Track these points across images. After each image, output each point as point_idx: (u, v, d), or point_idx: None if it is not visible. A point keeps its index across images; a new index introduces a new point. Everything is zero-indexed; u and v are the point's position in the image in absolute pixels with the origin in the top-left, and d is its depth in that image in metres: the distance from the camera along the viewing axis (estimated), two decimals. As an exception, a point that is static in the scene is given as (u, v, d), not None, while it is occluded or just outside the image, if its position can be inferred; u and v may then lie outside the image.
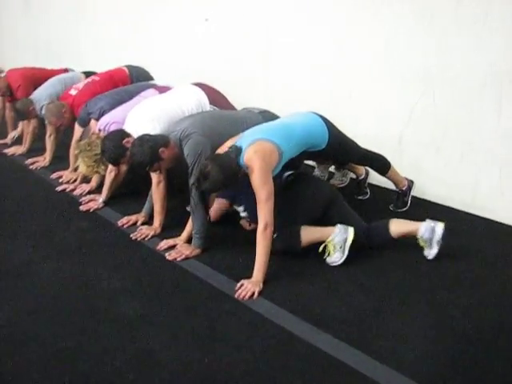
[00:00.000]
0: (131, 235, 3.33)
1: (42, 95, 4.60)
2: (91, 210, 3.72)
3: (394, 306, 2.61)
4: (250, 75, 4.95)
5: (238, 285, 2.74)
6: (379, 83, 4.00)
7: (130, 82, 4.57)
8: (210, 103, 3.65)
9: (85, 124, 4.16)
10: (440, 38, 3.59)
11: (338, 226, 2.97)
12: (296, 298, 2.68)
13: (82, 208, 3.75)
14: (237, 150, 2.82)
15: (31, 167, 4.69)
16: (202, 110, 3.59)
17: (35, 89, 4.78)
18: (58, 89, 4.61)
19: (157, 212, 3.38)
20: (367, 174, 3.95)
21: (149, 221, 3.50)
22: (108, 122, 3.75)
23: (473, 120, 3.55)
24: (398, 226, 3.06)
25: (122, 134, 3.37)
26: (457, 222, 3.50)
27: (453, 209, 3.76)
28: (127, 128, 3.46)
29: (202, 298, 2.69)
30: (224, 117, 3.34)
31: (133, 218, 3.51)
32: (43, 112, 4.53)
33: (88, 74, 4.82)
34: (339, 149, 3.27)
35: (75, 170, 4.25)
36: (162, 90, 3.98)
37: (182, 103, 3.54)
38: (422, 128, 3.84)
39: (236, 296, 2.67)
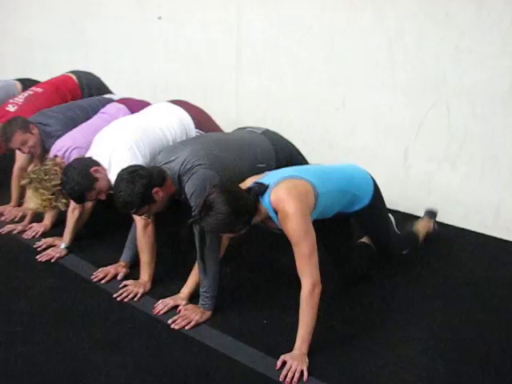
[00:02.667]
0: (114, 295, 2.64)
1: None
2: (53, 260, 2.97)
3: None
4: (218, 80, 4.31)
5: (280, 363, 2.15)
6: (380, 91, 3.50)
7: (81, 92, 3.80)
8: (196, 127, 2.99)
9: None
10: (456, 40, 3.13)
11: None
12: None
13: (40, 258, 2.98)
14: (260, 187, 2.22)
15: None
16: (186, 135, 2.94)
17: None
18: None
19: (145, 263, 2.71)
20: None
21: (131, 272, 2.81)
22: (67, 146, 3.01)
23: (495, 132, 3.13)
24: None
25: (89, 162, 2.69)
26: (476, 245, 3.17)
27: (471, 231, 3.34)
28: (95, 156, 2.76)
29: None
30: (229, 142, 2.69)
31: (111, 269, 2.81)
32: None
33: (24, 82, 3.99)
34: (378, 215, 2.65)
35: (20, 205, 3.47)
36: (130, 105, 3.27)
37: (163, 126, 2.87)
38: (433, 142, 3.38)
39: (281, 379, 2.10)
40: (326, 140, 3.84)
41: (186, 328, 2.39)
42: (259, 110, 4.07)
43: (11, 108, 3.57)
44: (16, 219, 3.44)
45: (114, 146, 2.73)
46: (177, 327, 2.39)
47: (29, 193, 2.93)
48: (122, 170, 2.42)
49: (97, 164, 2.70)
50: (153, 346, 2.30)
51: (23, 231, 3.29)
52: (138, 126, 2.82)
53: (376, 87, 3.51)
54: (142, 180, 2.35)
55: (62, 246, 3.02)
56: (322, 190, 2.27)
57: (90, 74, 3.93)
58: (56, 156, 3.04)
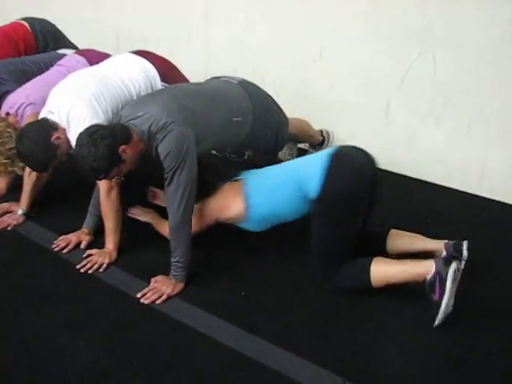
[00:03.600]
0: (77, 266, 2.42)
1: None
2: (10, 228, 2.71)
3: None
4: (185, 30, 4.00)
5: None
6: (360, 41, 3.25)
7: (35, 40, 3.45)
8: (162, 79, 2.71)
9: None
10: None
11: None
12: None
13: (-6, 228, 2.73)
14: None
15: None
16: (151, 88, 2.67)
17: None
18: None
19: (110, 230, 2.48)
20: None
21: (95, 239, 2.59)
22: (21, 102, 2.72)
23: (485, 87, 2.93)
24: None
25: (47, 128, 2.41)
26: (461, 205, 3.01)
27: (456, 190, 3.18)
28: (51, 113, 2.48)
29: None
30: (203, 93, 2.45)
31: (73, 238, 2.58)
32: None
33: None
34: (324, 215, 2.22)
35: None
36: (90, 57, 2.96)
37: (126, 79, 2.59)
38: (416, 96, 3.17)
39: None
40: (302, 93, 3.61)
41: (157, 302, 2.19)
42: (229, 62, 3.79)
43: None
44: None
45: (72, 102, 2.45)
46: (147, 302, 2.20)
47: None
48: (81, 134, 2.16)
49: (55, 128, 2.43)
50: (121, 324, 2.11)
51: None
52: (98, 78, 2.54)
53: (356, 37, 3.27)
54: (105, 141, 2.10)
55: (19, 212, 2.76)
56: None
57: (44, 20, 3.57)
58: (8, 114, 2.76)
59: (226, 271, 2.42)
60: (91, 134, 2.11)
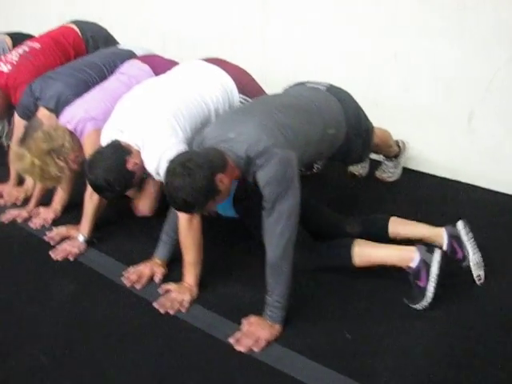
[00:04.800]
0: (155, 305, 2.14)
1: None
2: (71, 258, 2.45)
3: None
4: (240, 28, 3.69)
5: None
6: (441, 39, 2.93)
7: (85, 46, 3.19)
8: (240, 91, 2.43)
9: (30, 114, 2.76)
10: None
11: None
12: None
13: (54, 255, 2.46)
14: None
15: None
16: (228, 101, 2.40)
17: None
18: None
19: (190, 263, 2.18)
20: None
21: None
22: (80, 117, 2.46)
23: None
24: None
25: (122, 154, 2.15)
26: None
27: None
28: (120, 133, 2.21)
29: None
30: (295, 106, 2.16)
31: (145, 269, 2.30)
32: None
33: (14, 37, 3.35)
34: None
35: (20, 184, 2.95)
36: (154, 64, 2.69)
37: (203, 92, 2.32)
38: (504, 103, 2.86)
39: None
40: (371, 97, 3.28)
41: (255, 350, 1.92)
42: (289, 63, 3.50)
43: (4, 67, 2.96)
44: (18, 203, 2.89)
45: (147, 120, 2.19)
46: (243, 349, 1.92)
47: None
48: (173, 162, 1.88)
49: (129, 152, 2.16)
50: (215, 376, 1.84)
51: (29, 218, 2.74)
52: (174, 92, 2.27)
53: (436, 35, 2.96)
54: (202, 171, 1.83)
55: (81, 238, 2.50)
56: None
57: (94, 24, 3.31)
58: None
59: (325, 307, 2.13)
60: (185, 163, 1.84)
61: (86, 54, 3.15)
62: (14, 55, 3.01)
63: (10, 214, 2.76)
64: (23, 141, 2.41)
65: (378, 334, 1.97)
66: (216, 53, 3.58)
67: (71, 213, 2.72)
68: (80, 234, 2.50)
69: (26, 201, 2.88)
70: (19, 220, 2.73)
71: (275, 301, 1.97)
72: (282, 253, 1.94)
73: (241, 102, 2.41)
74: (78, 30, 3.19)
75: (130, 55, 2.87)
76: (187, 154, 1.90)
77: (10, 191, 2.94)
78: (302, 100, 2.22)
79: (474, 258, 2.14)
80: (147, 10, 4.17)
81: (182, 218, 2.13)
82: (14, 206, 2.87)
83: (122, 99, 2.35)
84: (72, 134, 2.46)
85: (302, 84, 2.42)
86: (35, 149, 2.36)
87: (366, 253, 2.15)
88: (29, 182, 2.91)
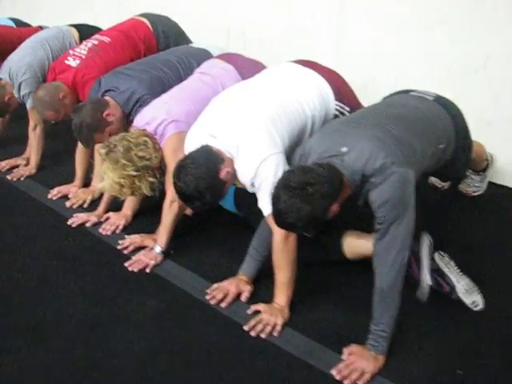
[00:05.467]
0: (246, 327, 1.96)
1: (16, 68, 2.95)
2: (148, 270, 2.28)
3: None
4: (313, 27, 3.48)
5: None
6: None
7: (156, 41, 3.02)
8: (336, 98, 2.24)
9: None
10: None
11: None
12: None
13: (130, 266, 2.29)
14: None
15: (10, 177, 3.07)
16: (325, 109, 2.20)
17: (2, 56, 3.12)
18: (40, 55, 2.97)
19: (283, 284, 2.00)
20: None
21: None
22: (161, 119, 2.29)
23: None
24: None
25: (215, 162, 1.96)
26: None
27: None
28: (211, 138, 2.03)
29: None
30: (403, 117, 1.97)
31: (230, 287, 2.11)
32: (22, 93, 2.95)
33: (81, 29, 3.20)
34: None
35: (86, 184, 2.80)
36: (238, 64, 2.51)
37: (301, 98, 2.13)
38: None
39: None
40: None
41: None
42: (367, 70, 3.28)
43: (72, 62, 2.81)
44: (85, 205, 2.74)
45: (244, 127, 2.00)
46: (340, 377, 1.75)
47: (103, 166, 2.23)
48: (287, 180, 1.69)
49: (222, 160, 1.97)
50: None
51: (98, 223, 2.59)
52: (271, 96, 2.09)
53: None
54: (324, 202, 1.65)
55: (157, 249, 2.33)
56: None
57: (166, 18, 3.13)
58: (144, 130, 2.34)
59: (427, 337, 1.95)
60: (306, 186, 1.64)
61: (157, 49, 2.99)
62: (83, 49, 2.86)
63: (79, 218, 2.59)
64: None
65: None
66: (285, 51, 3.46)
67: (142, 220, 2.55)
68: (157, 245, 2.33)
69: (92, 203, 2.73)
70: (88, 225, 2.57)
71: (381, 330, 1.79)
72: (393, 281, 1.76)
73: (337, 109, 2.22)
74: (148, 23, 3.02)
75: (205, 55, 2.70)
76: (307, 172, 1.68)
77: (77, 193, 2.79)
78: (413, 111, 2.02)
79: (460, 286, 1.99)
80: (210, 2, 3.98)
81: (279, 234, 1.95)
82: (81, 208, 2.71)
83: (214, 102, 2.17)
84: (151, 137, 2.30)
85: (405, 92, 2.23)
86: (119, 172, 2.19)
87: (355, 244, 2.11)
88: (95, 183, 2.76)
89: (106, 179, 2.22)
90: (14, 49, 3.10)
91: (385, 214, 1.72)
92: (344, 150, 1.77)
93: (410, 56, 3.12)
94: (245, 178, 1.98)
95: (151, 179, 2.25)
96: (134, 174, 2.20)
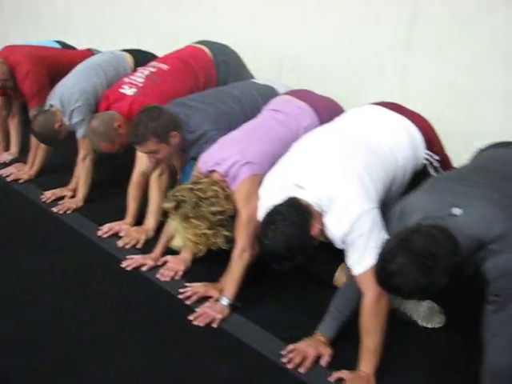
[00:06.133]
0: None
1: (69, 94, 2.79)
2: (215, 325, 2.06)
3: None
4: (376, 60, 3.26)
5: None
6: None
7: (216, 72, 2.84)
8: (426, 146, 2.05)
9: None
10: None
11: None
12: None
13: (197, 321, 2.07)
14: None
15: (56, 210, 2.88)
16: (415, 158, 2.02)
17: (51, 80, 2.96)
18: (94, 82, 2.82)
19: (371, 350, 1.79)
20: None
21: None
22: (234, 160, 2.10)
23: None
24: None
25: (306, 217, 1.75)
26: None
27: None
28: (298, 189, 1.83)
29: None
30: (499, 175, 1.75)
31: (309, 350, 1.89)
32: (73, 121, 2.78)
33: (135, 55, 3.04)
34: None
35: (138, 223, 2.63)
36: (314, 103, 2.32)
37: (392, 145, 1.95)
38: None
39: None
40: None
41: None
42: (434, 105, 3.02)
43: (127, 90, 2.64)
44: (138, 245, 2.55)
45: (335, 177, 1.81)
46: None
47: (174, 222, 2.06)
48: (408, 241, 1.50)
49: (312, 214, 1.77)
50: None
51: (155, 267, 2.39)
52: (362, 142, 1.91)
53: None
54: (444, 278, 1.48)
55: (225, 301, 2.12)
56: None
57: (225, 46, 2.95)
58: (213, 171, 2.16)
59: None
60: (426, 258, 1.46)
61: (216, 79, 2.82)
62: (139, 76, 2.69)
63: (134, 261, 2.40)
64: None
65: None
66: (342, 85, 3.27)
67: (203, 264, 2.36)
68: (224, 297, 2.13)
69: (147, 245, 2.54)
70: (144, 269, 2.37)
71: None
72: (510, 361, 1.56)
73: (427, 159, 2.03)
74: (208, 51, 2.84)
75: (270, 91, 2.55)
76: (433, 241, 1.48)
77: (129, 231, 2.59)
78: (502, 166, 1.82)
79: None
80: (262, 30, 3.80)
81: (373, 295, 1.75)
82: (134, 249, 2.53)
83: (297, 147, 1.99)
84: (221, 184, 2.11)
85: (504, 146, 2.02)
86: (192, 231, 2.04)
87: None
88: (149, 222, 2.58)
89: (178, 237, 2.09)
90: (64, 73, 2.96)
91: (504, 287, 1.52)
92: (456, 212, 1.57)
93: (490, 99, 2.85)
94: (336, 233, 1.78)
95: (226, 233, 2.08)
96: (209, 232, 2.05)
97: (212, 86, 2.77)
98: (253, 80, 2.78)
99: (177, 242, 2.13)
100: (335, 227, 1.78)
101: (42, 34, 4.44)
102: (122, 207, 2.69)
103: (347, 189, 1.77)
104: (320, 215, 1.79)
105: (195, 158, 2.31)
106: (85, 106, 2.76)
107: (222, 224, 2.08)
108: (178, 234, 2.08)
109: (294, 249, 1.72)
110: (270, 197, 1.89)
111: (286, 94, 2.43)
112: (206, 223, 2.04)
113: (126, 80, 2.69)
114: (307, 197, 1.79)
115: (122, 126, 2.58)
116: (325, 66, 3.44)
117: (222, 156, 2.15)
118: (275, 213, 1.77)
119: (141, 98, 2.58)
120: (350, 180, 1.79)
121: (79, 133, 2.81)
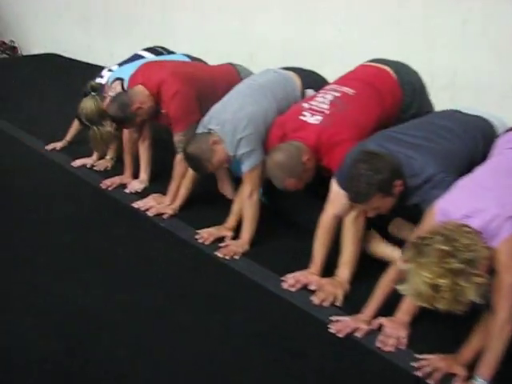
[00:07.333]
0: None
1: (236, 120, 2.41)
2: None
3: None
4: None
5: None
6: None
7: (402, 97, 2.48)
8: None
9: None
10: None
11: None
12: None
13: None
14: None
15: (221, 255, 2.45)
16: None
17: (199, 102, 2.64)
18: (264, 106, 2.45)
19: None
20: None
21: None
22: (493, 214, 1.75)
23: None
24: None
25: None
26: None
27: None
28: None
29: None
30: None
31: None
32: (241, 152, 2.43)
33: (304, 77, 2.66)
34: None
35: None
36: None
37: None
38: None
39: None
40: None
41: None
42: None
43: (309, 118, 2.30)
44: (338, 303, 2.15)
45: None
46: None
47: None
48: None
49: None
50: None
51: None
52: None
53: None
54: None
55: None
56: None
57: (406, 66, 2.57)
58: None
59: None
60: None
61: (401, 105, 2.46)
62: (322, 102, 2.35)
63: (345, 325, 2.01)
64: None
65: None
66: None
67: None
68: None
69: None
70: (358, 335, 1.98)
71: None
72: None
73: None
74: (392, 72, 2.48)
75: (488, 126, 2.20)
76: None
77: (322, 284, 2.19)
78: None
79: None
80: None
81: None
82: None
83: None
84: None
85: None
86: (440, 270, 1.63)
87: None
88: (343, 274, 2.21)
89: (411, 279, 1.68)
90: (208, 93, 2.61)
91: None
92: None
93: None
94: None
95: (479, 280, 1.69)
96: (458, 267, 1.63)
97: (397, 112, 2.42)
98: (459, 110, 2.38)
99: (405, 287, 1.72)
100: None
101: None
102: (301, 251, 2.33)
103: None
104: None
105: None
106: (255, 134, 2.40)
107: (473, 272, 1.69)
108: (412, 275, 1.68)
109: None
110: None
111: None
112: (455, 258, 1.64)
113: (306, 106, 2.35)
114: None
115: (310, 159, 2.22)
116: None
117: (472, 206, 1.79)
118: None
119: (331, 128, 2.25)
120: None
121: (246, 166, 2.43)
